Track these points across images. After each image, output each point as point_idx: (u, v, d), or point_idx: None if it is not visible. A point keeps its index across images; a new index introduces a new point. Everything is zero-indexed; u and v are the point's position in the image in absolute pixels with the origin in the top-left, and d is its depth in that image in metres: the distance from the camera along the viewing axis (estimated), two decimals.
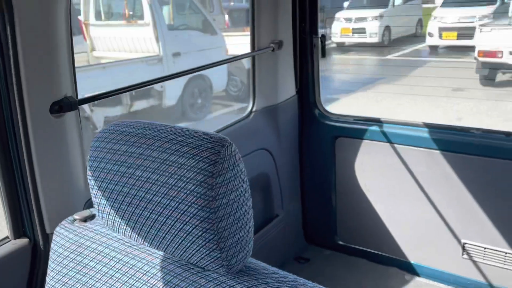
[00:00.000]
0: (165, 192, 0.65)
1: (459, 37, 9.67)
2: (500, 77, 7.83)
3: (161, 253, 0.72)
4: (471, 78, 7.81)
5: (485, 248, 1.67)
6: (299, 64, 1.83)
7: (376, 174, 1.86)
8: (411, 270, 1.88)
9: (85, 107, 5.38)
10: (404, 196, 1.81)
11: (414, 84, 7.95)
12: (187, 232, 0.64)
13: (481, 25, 7.85)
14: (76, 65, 1.07)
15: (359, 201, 1.93)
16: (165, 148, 0.66)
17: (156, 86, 6.39)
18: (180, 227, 0.65)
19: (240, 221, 0.65)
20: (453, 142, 1.65)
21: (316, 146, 1.97)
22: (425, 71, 9.05)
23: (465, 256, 1.72)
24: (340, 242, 2.05)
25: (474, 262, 1.69)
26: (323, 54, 1.78)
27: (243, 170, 0.67)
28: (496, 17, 9.20)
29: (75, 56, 1.08)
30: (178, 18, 7.30)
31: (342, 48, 11.92)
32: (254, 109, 1.75)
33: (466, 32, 8.97)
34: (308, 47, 1.80)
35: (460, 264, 1.73)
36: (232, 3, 9.91)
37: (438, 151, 1.67)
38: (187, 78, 6.36)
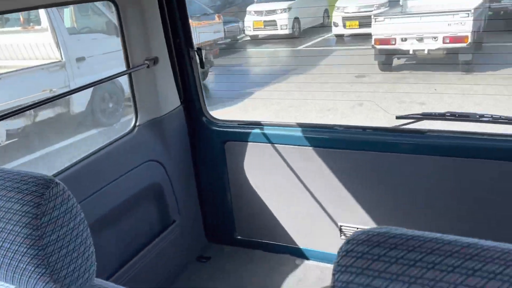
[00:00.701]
0: None
1: (361, 25, 10.28)
2: (396, 62, 8.51)
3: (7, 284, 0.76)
4: (372, 64, 8.40)
5: (357, 228, 1.90)
6: (180, 77, 1.92)
7: (263, 172, 2.02)
8: (301, 254, 2.08)
9: None
10: (289, 190, 1.99)
11: (321, 73, 8.38)
12: (23, 269, 0.70)
13: (375, 15, 8.43)
14: None
15: (252, 198, 2.08)
16: None
17: None
18: (16, 264, 0.70)
19: (75, 252, 0.72)
20: (322, 139, 1.84)
21: (208, 151, 2.08)
22: (332, 60, 9.53)
23: (343, 237, 1.94)
24: (239, 237, 2.20)
25: None
26: (202, 66, 1.89)
27: (75, 205, 0.74)
28: (391, 6, 9.94)
29: None
30: (81, 20, 7.00)
31: (256, 41, 12.16)
32: (137, 124, 1.81)
33: (366, 21, 9.48)
34: (186, 60, 1.90)
35: (339, 244, 1.95)
36: None
37: (311, 148, 1.86)
38: None
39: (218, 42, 9.77)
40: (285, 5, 11.89)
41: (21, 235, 0.68)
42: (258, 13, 11.84)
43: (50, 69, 6.06)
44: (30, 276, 0.69)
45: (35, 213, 0.68)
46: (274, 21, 11.81)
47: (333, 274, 0.54)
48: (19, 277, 0.70)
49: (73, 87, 6.27)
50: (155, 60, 1.73)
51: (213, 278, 2.01)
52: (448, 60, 7.88)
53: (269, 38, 12.12)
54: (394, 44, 8.09)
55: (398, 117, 1.74)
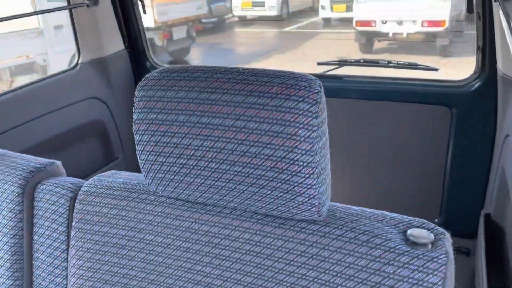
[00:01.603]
0: (252, 139, 0.59)
1: (348, 9, 10.35)
2: (377, 45, 8.64)
3: (236, 213, 0.68)
4: (354, 48, 8.52)
5: None
6: (124, 22, 2.04)
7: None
8: None
9: None
10: None
11: (303, 54, 8.49)
12: (283, 181, 0.59)
13: None
14: None
15: None
16: (250, 92, 0.59)
17: (39, 61, 6.14)
18: (273, 175, 0.59)
19: (328, 165, 0.62)
20: None
21: None
22: (316, 42, 9.64)
23: None
24: None
25: None
26: (144, 11, 2.01)
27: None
28: None
29: None
30: None
31: (244, 22, 12.20)
32: (80, 61, 1.94)
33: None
34: (129, 5, 2.01)
35: None
36: None
37: None
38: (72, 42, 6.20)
39: (203, 20, 9.81)
40: None
41: (297, 137, 0.57)
42: None
43: (28, 35, 6.10)
44: (289, 191, 0.60)
45: (315, 111, 0.57)
46: (263, 2, 11.79)
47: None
48: (269, 192, 0.61)
49: (50, 54, 6.31)
50: (95, 1, 1.84)
51: None
52: (427, 44, 8.03)
53: (257, 20, 12.13)
54: (375, 26, 8.20)
55: (319, 63, 1.89)
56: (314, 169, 0.58)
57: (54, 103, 1.79)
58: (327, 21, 11.31)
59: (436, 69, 1.74)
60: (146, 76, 0.67)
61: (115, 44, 2.04)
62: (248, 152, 0.60)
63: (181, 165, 0.65)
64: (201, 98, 0.62)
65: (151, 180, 0.69)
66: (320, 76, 1.89)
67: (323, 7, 10.84)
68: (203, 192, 0.66)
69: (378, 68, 1.86)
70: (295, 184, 0.59)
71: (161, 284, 0.71)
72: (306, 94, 0.58)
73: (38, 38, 6.19)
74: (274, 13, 11.79)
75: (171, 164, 0.66)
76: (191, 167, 0.64)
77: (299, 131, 0.57)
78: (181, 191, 0.68)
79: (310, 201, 0.60)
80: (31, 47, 6.07)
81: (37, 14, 6.01)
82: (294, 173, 0.59)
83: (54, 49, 6.26)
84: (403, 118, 1.76)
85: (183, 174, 0.65)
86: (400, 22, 8.13)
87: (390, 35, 8.26)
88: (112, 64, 2.03)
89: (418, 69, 1.75)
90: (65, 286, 0.82)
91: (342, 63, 1.86)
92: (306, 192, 0.60)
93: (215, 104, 0.61)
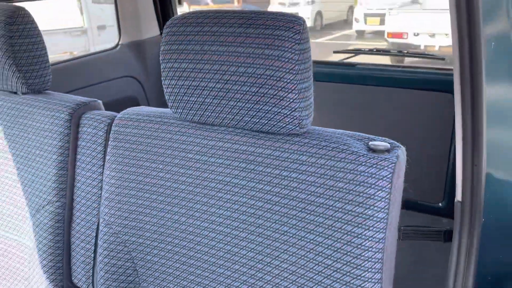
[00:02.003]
0: (249, 61, 0.75)
1: (382, 22, 10.41)
2: (408, 58, 8.66)
3: (238, 130, 0.84)
4: (385, 59, 8.57)
5: None
6: (160, 9, 2.27)
7: None
8: None
9: None
10: None
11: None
12: (271, 96, 0.75)
13: (390, 9, 8.60)
14: None
15: None
16: (249, 24, 0.75)
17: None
18: (264, 91, 0.75)
19: (311, 88, 0.78)
20: None
21: None
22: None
23: None
24: None
25: None
26: (180, 2, 2.24)
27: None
28: (413, 3, 10.05)
29: None
30: None
31: None
32: (120, 42, 2.17)
33: None
34: None
35: None
36: None
37: None
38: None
39: None
40: None
41: (282, 59, 0.74)
42: (282, 4, 12.10)
43: (73, 34, 6.53)
44: (275, 105, 0.76)
45: (298, 38, 0.73)
46: (297, 13, 11.97)
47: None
48: (261, 107, 0.78)
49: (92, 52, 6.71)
50: None
51: None
52: None
53: None
54: (406, 38, 8.23)
55: (335, 52, 2.05)
56: (295, 86, 0.74)
57: (95, 77, 2.03)
58: (360, 34, 11.38)
59: (443, 59, 1.86)
60: (172, 17, 0.86)
61: (152, 29, 2.27)
62: (246, 72, 0.77)
63: (195, 87, 0.83)
64: (213, 31, 0.79)
65: (172, 103, 0.87)
66: (336, 64, 2.04)
67: (357, 20, 10.95)
68: (211, 111, 0.83)
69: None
70: (280, 98, 0.75)
71: (177, 181, 0.89)
72: (291, 26, 0.74)
73: (82, 36, 6.61)
74: (308, 24, 11.93)
75: (188, 87, 0.83)
76: (203, 88, 0.82)
77: (284, 54, 0.73)
78: (195, 112, 0.85)
79: (292, 113, 0.75)
80: (75, 44, 6.49)
81: None
82: (279, 88, 0.75)
83: (96, 48, 6.67)
84: (411, 104, 1.89)
85: (197, 95, 0.83)
86: (432, 35, 8.12)
87: (422, 47, 8.25)
88: (148, 47, 2.25)
89: (426, 58, 1.88)
90: (99, 190, 1.01)
91: (356, 51, 2.01)
92: (288, 105, 0.75)
93: (223, 35, 0.78)
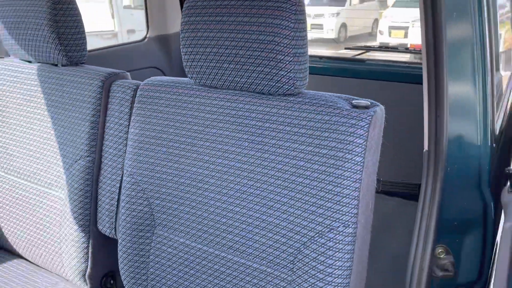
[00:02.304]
0: (253, 29, 0.89)
1: (406, 35, 10.44)
2: None
3: (244, 92, 0.98)
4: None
5: None
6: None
7: None
8: None
9: None
10: None
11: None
12: (271, 59, 0.89)
13: (413, 21, 8.65)
14: None
15: None
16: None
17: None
18: (265, 55, 0.89)
19: (306, 53, 0.92)
20: None
21: None
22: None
23: None
24: None
25: None
26: None
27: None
28: None
29: None
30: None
31: None
32: (148, 35, 2.36)
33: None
34: None
35: None
36: None
37: None
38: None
39: None
40: (334, 10, 12.21)
41: (280, 26, 0.88)
42: (307, 15, 12.26)
43: (104, 36, 6.86)
44: (273, 67, 0.90)
45: (295, 9, 0.88)
46: (321, 24, 12.13)
47: None
48: (260, 69, 0.92)
49: None
50: None
51: None
52: None
53: (314, 41, 12.48)
54: None
55: (346, 48, 2.18)
56: (291, 50, 0.88)
57: (123, 66, 2.21)
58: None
59: None
60: None
61: (177, 24, 2.46)
62: (250, 39, 0.92)
63: (208, 53, 0.98)
64: (225, 4, 0.95)
65: (189, 69, 1.03)
66: (347, 60, 2.18)
67: (381, 32, 11.01)
68: (221, 75, 0.98)
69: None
70: (278, 60, 0.89)
71: (190, 137, 1.04)
72: None
73: (113, 39, 6.93)
74: (332, 35, 12.06)
75: (202, 53, 0.99)
76: (215, 54, 0.97)
77: (282, 22, 0.87)
78: (207, 76, 1.00)
79: (288, 74, 0.89)
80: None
81: None
82: (277, 52, 0.89)
83: None
84: (416, 98, 2.00)
85: (209, 61, 0.98)
86: None
87: None
88: (173, 41, 2.44)
89: None
90: (124, 147, 1.17)
91: (366, 48, 2.14)
92: (285, 67, 0.89)
93: (233, 7, 0.94)
